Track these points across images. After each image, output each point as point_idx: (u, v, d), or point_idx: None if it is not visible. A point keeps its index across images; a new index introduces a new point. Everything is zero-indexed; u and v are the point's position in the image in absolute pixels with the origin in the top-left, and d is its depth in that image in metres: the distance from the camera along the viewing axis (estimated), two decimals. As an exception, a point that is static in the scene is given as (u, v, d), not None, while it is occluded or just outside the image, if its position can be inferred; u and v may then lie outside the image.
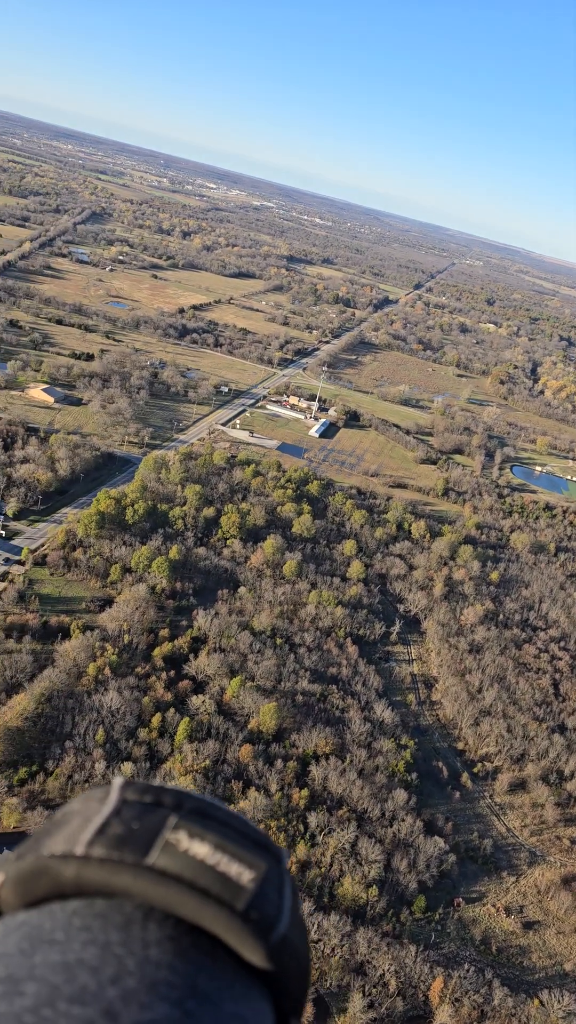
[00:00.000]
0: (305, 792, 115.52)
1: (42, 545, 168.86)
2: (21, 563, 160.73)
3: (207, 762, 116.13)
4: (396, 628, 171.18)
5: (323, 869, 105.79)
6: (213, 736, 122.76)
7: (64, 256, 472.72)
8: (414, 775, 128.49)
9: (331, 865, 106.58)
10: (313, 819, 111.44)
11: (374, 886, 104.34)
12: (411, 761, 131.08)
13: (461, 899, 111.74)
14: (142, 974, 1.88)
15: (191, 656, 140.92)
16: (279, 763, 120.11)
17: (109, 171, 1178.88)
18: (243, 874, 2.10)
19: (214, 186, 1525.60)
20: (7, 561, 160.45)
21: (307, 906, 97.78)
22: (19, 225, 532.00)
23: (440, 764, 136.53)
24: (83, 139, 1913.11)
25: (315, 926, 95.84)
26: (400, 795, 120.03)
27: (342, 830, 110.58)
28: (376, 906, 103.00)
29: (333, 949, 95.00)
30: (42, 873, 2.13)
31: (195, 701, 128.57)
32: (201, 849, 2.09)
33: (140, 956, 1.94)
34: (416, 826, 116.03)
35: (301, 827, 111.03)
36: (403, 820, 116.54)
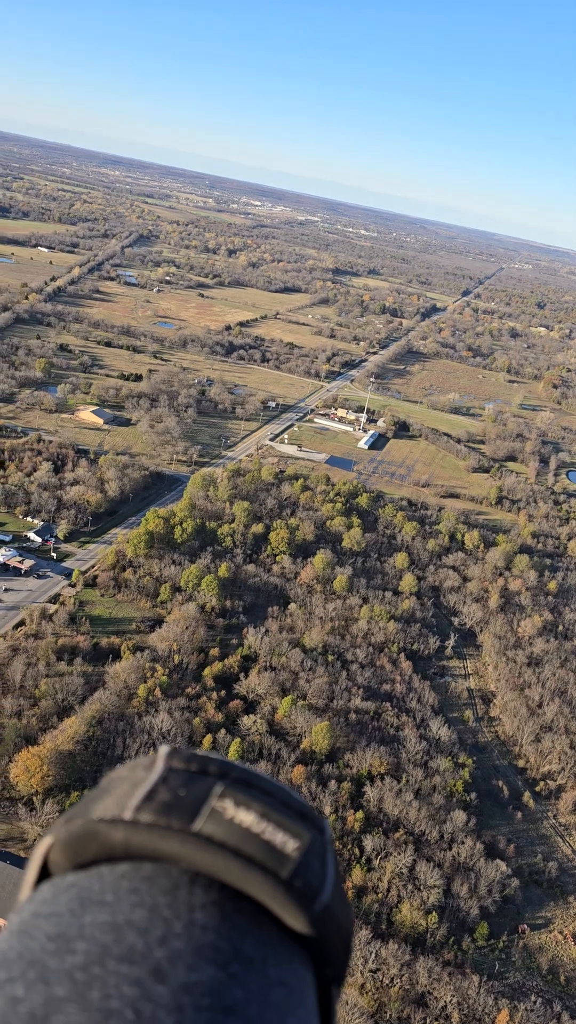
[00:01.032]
0: (360, 814, 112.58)
1: (92, 566, 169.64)
2: (72, 585, 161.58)
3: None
4: (451, 642, 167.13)
5: (380, 895, 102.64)
6: (265, 757, 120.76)
7: (112, 279, 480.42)
8: (473, 795, 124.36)
9: (388, 890, 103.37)
10: (369, 842, 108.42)
11: (434, 912, 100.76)
12: (469, 780, 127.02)
13: (526, 926, 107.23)
14: (189, 937, 1.92)
15: (241, 675, 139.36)
16: (333, 784, 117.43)
17: (156, 194, 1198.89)
18: (288, 843, 2.10)
19: (259, 203, 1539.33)
20: (62, 578, 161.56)
21: (364, 934, 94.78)
22: (68, 251, 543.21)
23: (500, 783, 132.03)
24: (130, 164, 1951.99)
25: (373, 955, 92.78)
26: (459, 816, 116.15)
27: (399, 854, 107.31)
28: (436, 934, 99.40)
29: (392, 979, 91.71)
30: (91, 836, 2.18)
31: (246, 721, 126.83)
32: (247, 817, 2.11)
33: (187, 919, 1.97)
34: (476, 849, 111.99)
35: (356, 851, 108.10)
36: (462, 843, 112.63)
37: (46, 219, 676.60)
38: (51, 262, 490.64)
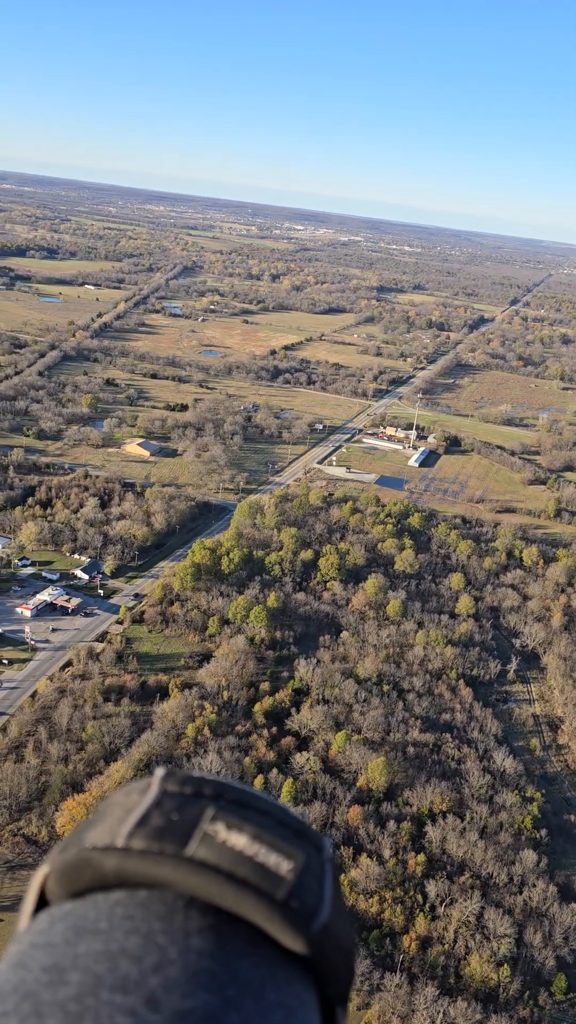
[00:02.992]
0: (422, 857, 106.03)
1: (140, 602, 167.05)
2: (120, 622, 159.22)
3: (314, 827, 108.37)
4: (513, 665, 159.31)
5: (447, 946, 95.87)
6: (319, 797, 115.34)
7: (157, 312, 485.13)
8: (543, 831, 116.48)
9: (455, 941, 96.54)
10: (432, 888, 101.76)
11: (506, 965, 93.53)
12: (539, 816, 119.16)
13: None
14: (184, 963, 1.92)
15: (293, 710, 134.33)
16: (392, 824, 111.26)
17: (200, 226, 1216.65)
18: (282, 864, 2.10)
19: (302, 227, 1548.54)
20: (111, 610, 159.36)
21: (430, 991, 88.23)
22: (115, 287, 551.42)
23: (573, 818, 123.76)
24: (174, 199, 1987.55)
25: (440, 1014, 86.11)
26: (529, 856, 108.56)
27: (465, 900, 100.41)
28: (509, 988, 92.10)
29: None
30: (85, 865, 2.18)
31: (299, 759, 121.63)
32: (239, 840, 2.10)
33: (181, 945, 1.97)
34: (549, 892, 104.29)
35: (419, 897, 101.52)
36: (534, 886, 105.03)
37: (93, 257, 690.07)
38: (97, 299, 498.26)
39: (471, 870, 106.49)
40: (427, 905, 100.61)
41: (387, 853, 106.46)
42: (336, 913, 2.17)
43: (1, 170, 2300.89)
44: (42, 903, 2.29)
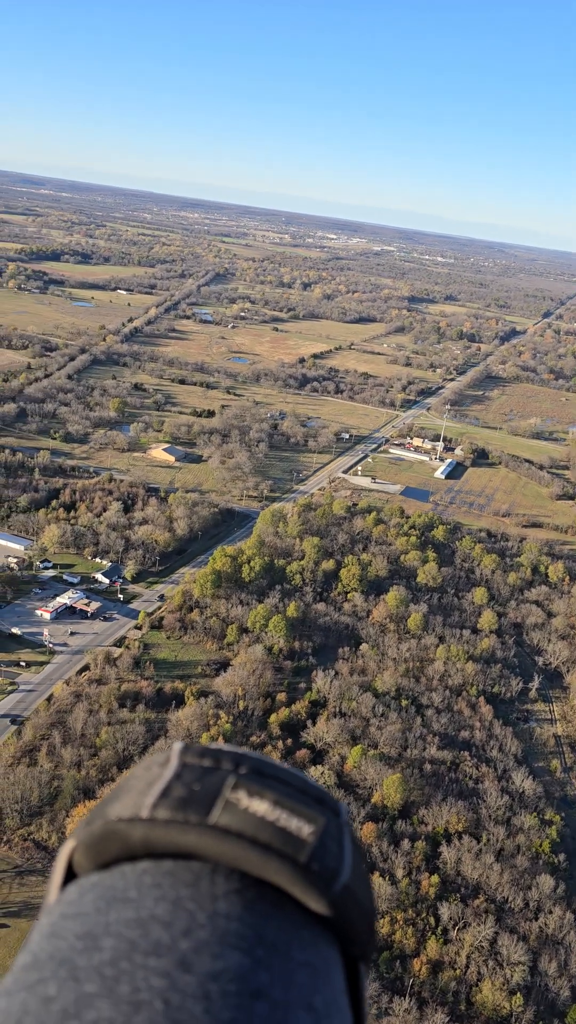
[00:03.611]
0: (436, 879, 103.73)
1: (159, 608, 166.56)
2: (138, 627, 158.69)
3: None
4: (535, 684, 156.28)
5: (458, 971, 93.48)
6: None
7: (188, 318, 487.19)
8: (562, 856, 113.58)
9: (467, 967, 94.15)
10: (445, 911, 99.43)
11: (519, 993, 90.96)
12: (558, 840, 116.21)
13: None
14: (212, 926, 1.97)
15: (309, 722, 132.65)
16: (406, 843, 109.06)
17: (233, 233, 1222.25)
18: (303, 828, 2.13)
19: (334, 236, 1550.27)
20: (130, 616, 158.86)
21: (440, 1017, 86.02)
22: (147, 293, 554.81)
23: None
24: (208, 206, 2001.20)
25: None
26: (546, 882, 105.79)
27: (479, 924, 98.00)
28: (522, 1018, 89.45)
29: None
30: (111, 836, 2.23)
31: (314, 772, 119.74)
32: (261, 806, 2.14)
33: (209, 910, 2.02)
34: (566, 919, 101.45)
35: (432, 920, 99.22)
36: (550, 912, 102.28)
37: (126, 263, 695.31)
38: (129, 304, 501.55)
39: (486, 893, 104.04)
40: (439, 928, 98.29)
41: (400, 873, 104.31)
42: (356, 875, 2.22)
43: (40, 176, 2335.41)
44: (69, 877, 2.36)
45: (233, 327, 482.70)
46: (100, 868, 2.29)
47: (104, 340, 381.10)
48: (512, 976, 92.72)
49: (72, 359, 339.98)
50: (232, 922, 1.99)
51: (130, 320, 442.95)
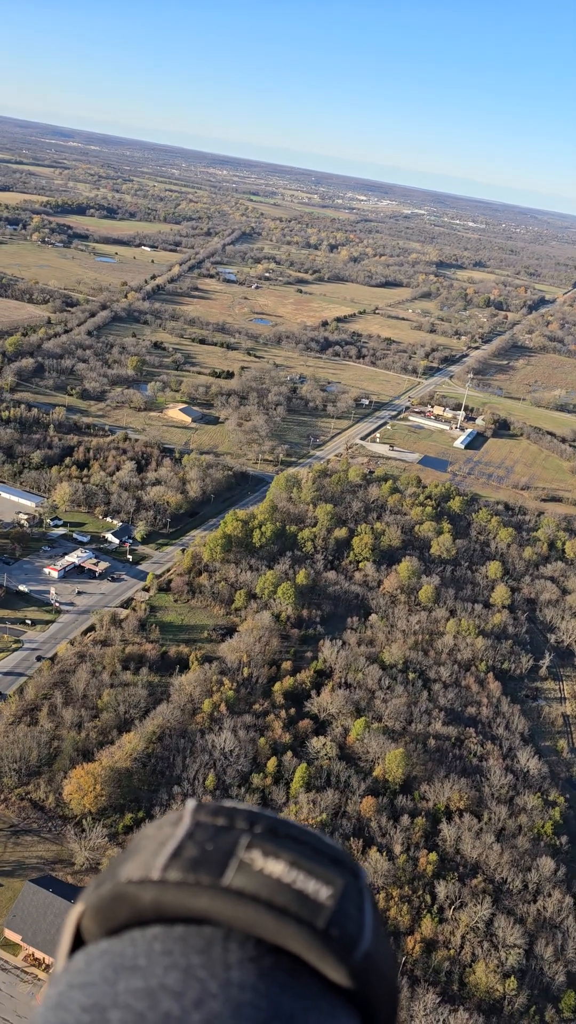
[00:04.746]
0: (434, 856, 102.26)
1: (168, 570, 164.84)
2: (146, 589, 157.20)
3: (324, 816, 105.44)
4: (546, 661, 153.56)
5: (452, 951, 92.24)
6: (333, 785, 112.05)
7: (211, 277, 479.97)
8: (564, 839, 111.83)
9: (461, 947, 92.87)
10: (442, 889, 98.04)
11: (513, 977, 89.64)
12: (560, 822, 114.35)
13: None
14: (226, 997, 1.90)
15: (314, 692, 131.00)
16: (405, 819, 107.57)
17: (261, 192, 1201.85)
18: (321, 891, 2.09)
19: (364, 198, 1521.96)
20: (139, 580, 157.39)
21: (431, 997, 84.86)
22: (171, 250, 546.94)
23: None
24: (237, 164, 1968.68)
25: (441, 1022, 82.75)
26: (546, 864, 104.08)
27: (476, 904, 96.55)
28: (515, 1001, 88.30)
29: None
30: (120, 900, 2.17)
31: (315, 743, 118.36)
32: (276, 867, 2.09)
33: (222, 979, 1.95)
34: (565, 903, 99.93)
35: (428, 898, 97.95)
36: (549, 895, 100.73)
37: (152, 219, 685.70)
38: (153, 261, 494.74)
39: (484, 873, 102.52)
40: (435, 907, 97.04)
41: (398, 848, 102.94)
42: (378, 942, 2.14)
43: (69, 128, 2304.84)
44: (78, 943, 2.27)
45: (257, 287, 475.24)
46: (110, 934, 2.21)
47: (126, 297, 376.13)
48: (507, 959, 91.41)
49: (92, 315, 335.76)
50: (246, 992, 1.92)
51: (153, 277, 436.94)
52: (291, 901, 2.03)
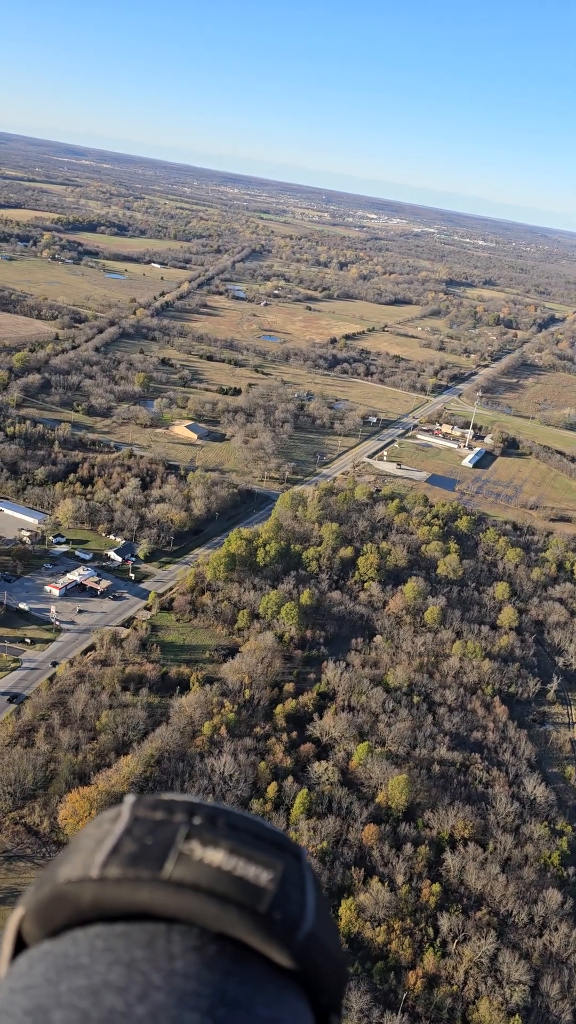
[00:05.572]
0: (437, 887, 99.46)
1: (170, 589, 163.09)
2: (148, 608, 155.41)
3: (325, 844, 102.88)
4: (554, 685, 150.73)
5: (455, 987, 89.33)
6: (334, 811, 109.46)
7: (221, 294, 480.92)
8: (571, 870, 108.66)
9: (465, 983, 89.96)
10: (445, 922, 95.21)
11: (518, 1016, 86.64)
12: (568, 852, 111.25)
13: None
14: (170, 988, 1.90)
15: (316, 715, 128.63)
16: (408, 848, 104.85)
17: (272, 210, 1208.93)
18: (261, 876, 2.09)
19: (374, 216, 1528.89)
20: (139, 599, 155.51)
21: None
22: (181, 267, 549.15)
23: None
24: (249, 182, 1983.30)
25: (442, 1062, 79.83)
26: (553, 896, 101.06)
27: (480, 938, 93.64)
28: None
29: None
30: (60, 900, 2.16)
31: (317, 768, 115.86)
32: (216, 856, 2.09)
33: (166, 970, 1.95)
34: (573, 938, 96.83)
35: (431, 931, 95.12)
36: (556, 929, 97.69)
37: (162, 236, 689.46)
38: (162, 278, 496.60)
39: (489, 906, 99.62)
40: (438, 940, 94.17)
41: (400, 879, 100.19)
42: (321, 921, 2.15)
43: (82, 146, 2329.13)
44: (21, 947, 2.24)
45: (266, 304, 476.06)
46: (52, 935, 2.18)
47: (134, 313, 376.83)
48: (512, 996, 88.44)
49: (100, 331, 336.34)
50: (191, 982, 1.92)
51: (162, 294, 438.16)
52: (232, 888, 2.04)
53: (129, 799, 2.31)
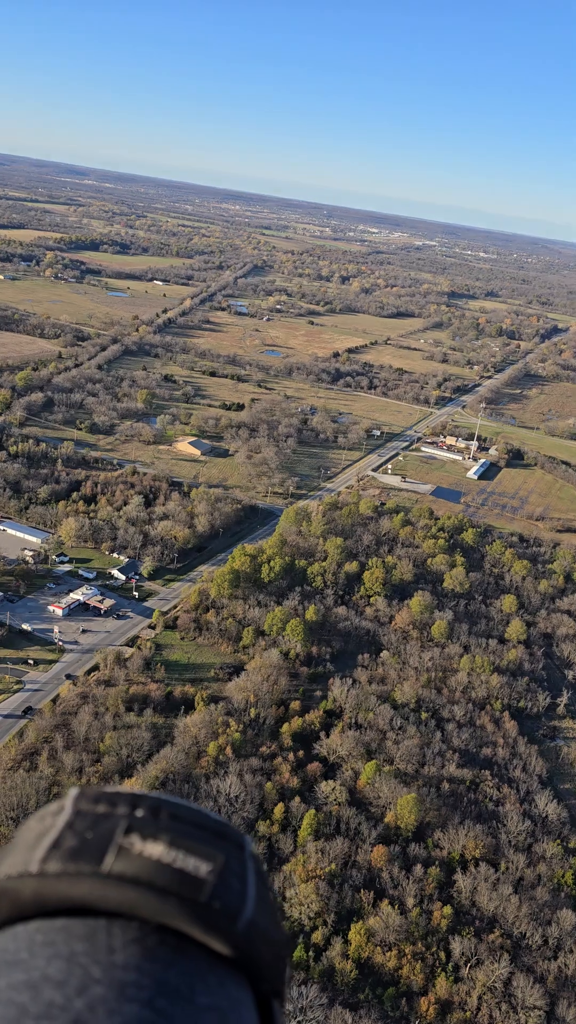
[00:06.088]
0: (448, 909, 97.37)
1: (174, 607, 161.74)
2: (152, 627, 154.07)
3: (333, 866, 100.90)
4: (564, 699, 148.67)
5: (468, 1013, 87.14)
6: (342, 832, 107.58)
7: (223, 309, 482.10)
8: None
9: (478, 1008, 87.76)
10: (457, 945, 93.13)
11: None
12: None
13: None
14: (109, 980, 1.90)
15: (323, 733, 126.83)
16: (419, 869, 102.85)
17: (274, 226, 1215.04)
18: (201, 867, 2.11)
19: (376, 230, 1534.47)
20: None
21: (446, 1065, 79.85)
22: (183, 284, 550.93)
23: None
24: (250, 199, 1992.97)
25: None
26: (567, 917, 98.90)
27: (493, 962, 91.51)
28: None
29: None
30: (0, 896, 2.16)
31: (324, 788, 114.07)
32: (156, 849, 2.11)
33: (106, 963, 1.95)
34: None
35: (443, 955, 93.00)
36: (571, 951, 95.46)
37: (164, 254, 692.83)
38: (165, 295, 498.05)
39: (502, 928, 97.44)
40: (450, 964, 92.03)
41: (411, 901, 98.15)
42: (262, 909, 2.18)
43: (84, 166, 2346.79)
44: None
45: (268, 319, 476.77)
46: None
47: (137, 331, 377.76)
48: (527, 1022, 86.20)
49: (103, 349, 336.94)
50: (130, 973, 1.92)
51: (164, 311, 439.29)
52: (171, 880, 2.06)
53: (72, 792, 2.32)
